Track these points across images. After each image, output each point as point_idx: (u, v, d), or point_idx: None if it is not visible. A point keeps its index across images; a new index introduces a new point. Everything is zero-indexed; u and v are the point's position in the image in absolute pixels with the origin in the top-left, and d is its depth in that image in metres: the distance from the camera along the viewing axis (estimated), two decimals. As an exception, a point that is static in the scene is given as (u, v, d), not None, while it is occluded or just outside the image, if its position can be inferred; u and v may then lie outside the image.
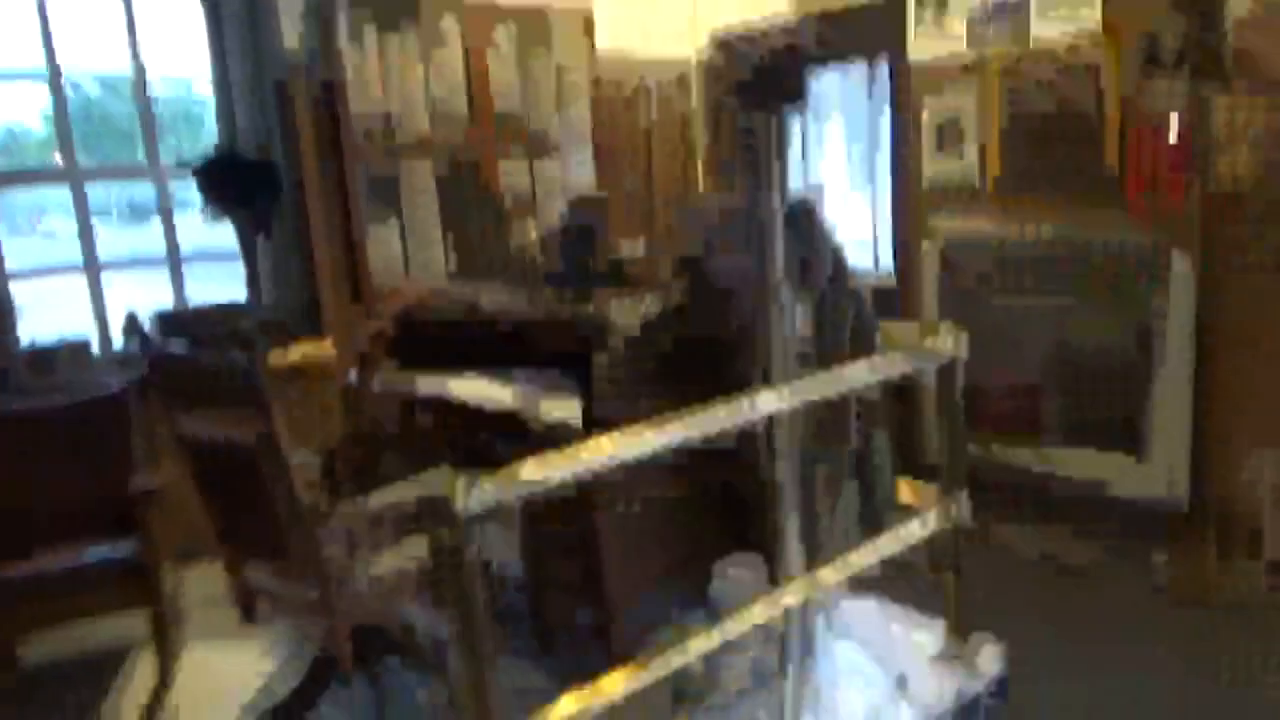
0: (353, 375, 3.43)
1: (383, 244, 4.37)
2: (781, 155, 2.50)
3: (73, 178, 3.76)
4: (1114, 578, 3.46)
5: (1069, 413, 3.82)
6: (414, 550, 2.48)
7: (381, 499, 2.39)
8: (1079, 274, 3.74)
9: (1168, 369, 3.46)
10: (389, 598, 2.46)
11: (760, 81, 2.43)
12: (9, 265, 3.59)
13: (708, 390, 2.63)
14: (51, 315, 3.80)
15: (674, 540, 2.70)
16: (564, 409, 2.58)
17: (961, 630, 2.66)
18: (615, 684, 1.79)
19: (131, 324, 3.75)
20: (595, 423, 2.46)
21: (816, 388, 2.33)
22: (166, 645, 2.85)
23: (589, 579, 2.53)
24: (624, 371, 2.54)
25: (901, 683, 2.57)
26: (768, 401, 2.21)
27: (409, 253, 4.45)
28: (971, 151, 3.92)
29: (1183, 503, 3.42)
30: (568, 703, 1.73)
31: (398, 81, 4.32)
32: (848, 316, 2.50)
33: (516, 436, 2.68)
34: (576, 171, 5.00)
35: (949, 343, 2.47)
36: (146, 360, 2.45)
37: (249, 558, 2.48)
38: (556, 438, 2.40)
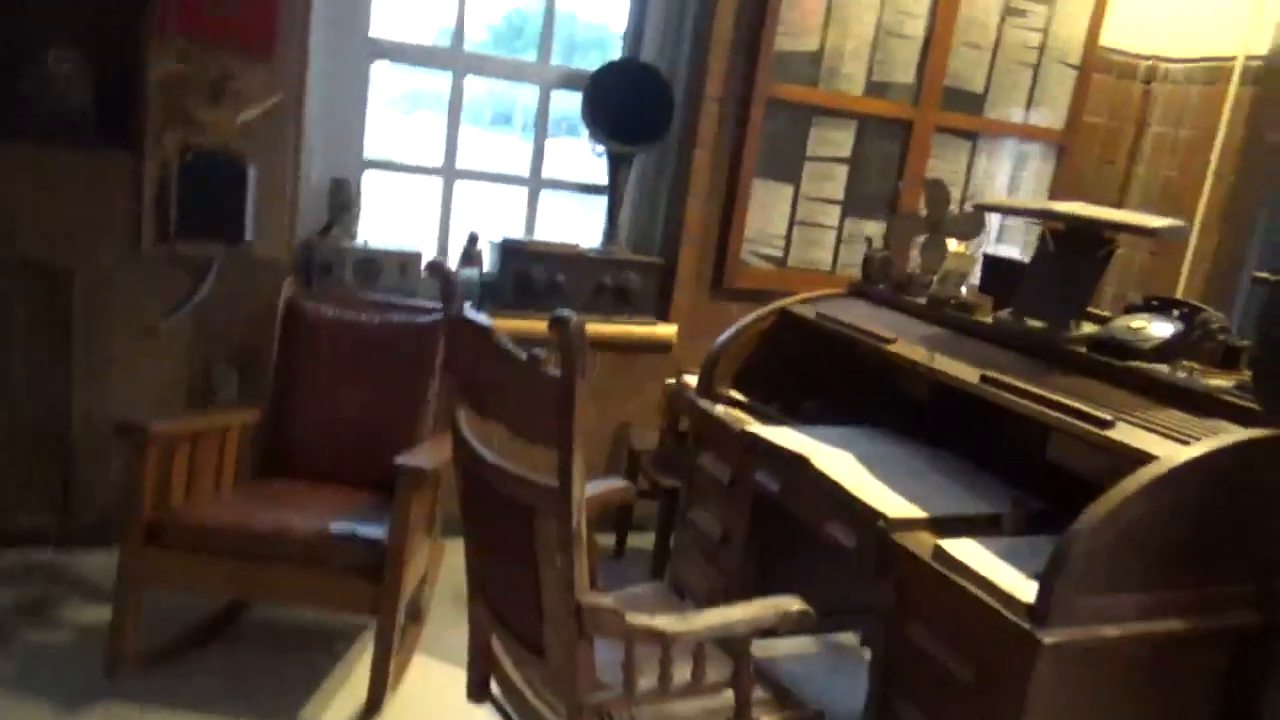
0: (687, 384, 2.67)
1: (768, 219, 3.56)
2: None
3: (457, 63, 3.30)
4: None
5: None
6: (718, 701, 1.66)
7: (695, 619, 1.58)
8: None
9: None
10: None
11: None
12: (367, 151, 3.21)
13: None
14: (392, 213, 3.40)
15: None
16: (1010, 576, 1.59)
17: None
18: None
19: (470, 246, 3.27)
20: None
21: None
22: (384, 667, 2.27)
23: None
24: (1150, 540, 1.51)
25: None
26: None
27: (796, 238, 3.61)
28: None
29: None
30: None
31: (840, 24, 3.44)
32: None
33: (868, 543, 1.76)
34: (1023, 181, 3.87)
35: None
36: (444, 319, 1.78)
37: (498, 626, 1.79)
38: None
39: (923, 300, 2.49)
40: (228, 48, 2.66)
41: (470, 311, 1.63)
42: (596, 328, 3.34)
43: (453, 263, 3.33)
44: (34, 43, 2.55)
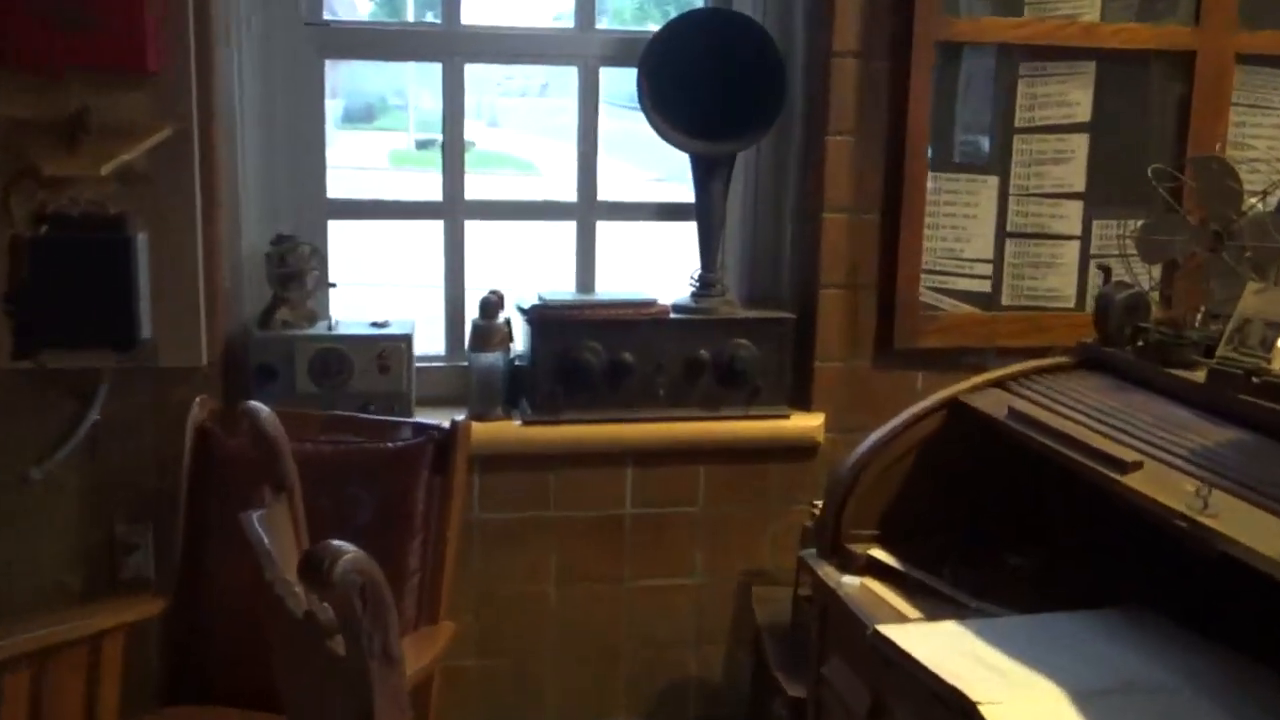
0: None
1: (961, 234, 3.01)
2: None
3: (448, 47, 2.98)
4: None
5: None
6: None
7: None
8: None
9: None
10: None
11: None
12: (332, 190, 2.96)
13: None
14: (377, 277, 3.11)
15: None
16: None
17: None
18: None
19: (486, 318, 2.91)
20: None
21: None
22: None
23: None
24: None
25: None
26: None
27: (1010, 258, 3.04)
28: None
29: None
30: None
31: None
32: None
33: None
34: None
35: None
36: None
37: None
38: None
39: (1201, 375, 1.89)
40: (86, 71, 2.45)
41: (249, 516, 1.22)
42: (694, 427, 2.90)
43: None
44: None
